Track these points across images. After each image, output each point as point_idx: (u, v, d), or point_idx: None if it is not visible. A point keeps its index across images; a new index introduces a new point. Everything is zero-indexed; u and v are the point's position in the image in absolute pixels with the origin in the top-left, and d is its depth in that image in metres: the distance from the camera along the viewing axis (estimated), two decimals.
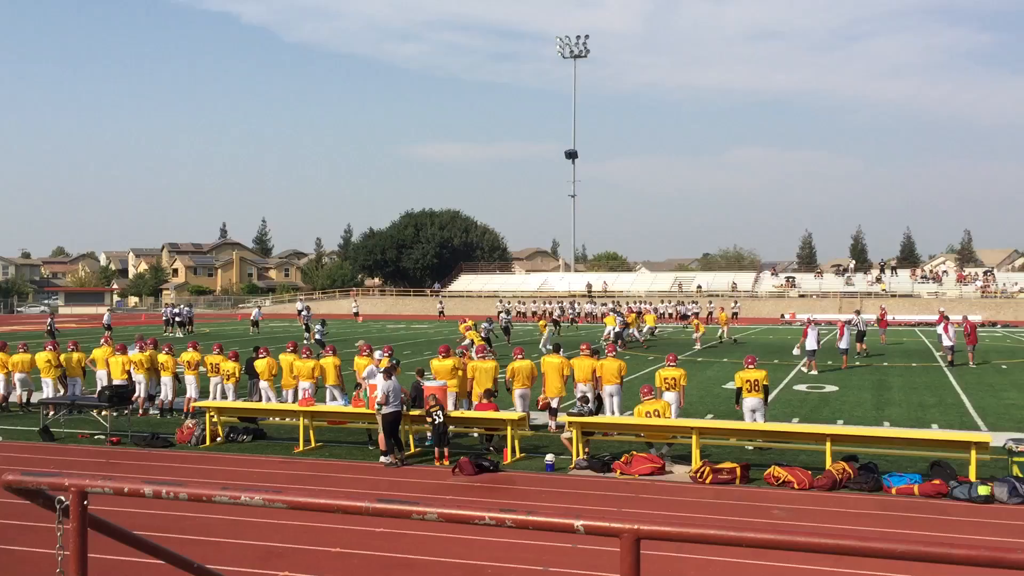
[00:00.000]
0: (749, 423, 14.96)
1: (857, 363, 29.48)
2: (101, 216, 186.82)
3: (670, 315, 65.20)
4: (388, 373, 14.57)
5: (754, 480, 12.89)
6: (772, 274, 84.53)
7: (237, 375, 18.51)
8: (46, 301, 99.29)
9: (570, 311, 62.86)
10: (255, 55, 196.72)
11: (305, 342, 31.22)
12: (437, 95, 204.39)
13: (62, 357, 19.59)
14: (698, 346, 36.55)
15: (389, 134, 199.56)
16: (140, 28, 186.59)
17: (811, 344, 27.17)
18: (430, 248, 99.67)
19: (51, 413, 17.09)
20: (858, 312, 37.56)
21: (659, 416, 14.11)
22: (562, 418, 15.75)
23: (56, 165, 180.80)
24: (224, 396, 18.31)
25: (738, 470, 12.86)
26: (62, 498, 2.73)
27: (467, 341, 29.20)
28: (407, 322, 65.29)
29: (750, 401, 15.26)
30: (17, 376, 19.88)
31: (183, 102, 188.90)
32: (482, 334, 31.59)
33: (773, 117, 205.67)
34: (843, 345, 28.71)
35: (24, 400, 19.90)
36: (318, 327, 37.39)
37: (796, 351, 29.55)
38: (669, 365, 16.48)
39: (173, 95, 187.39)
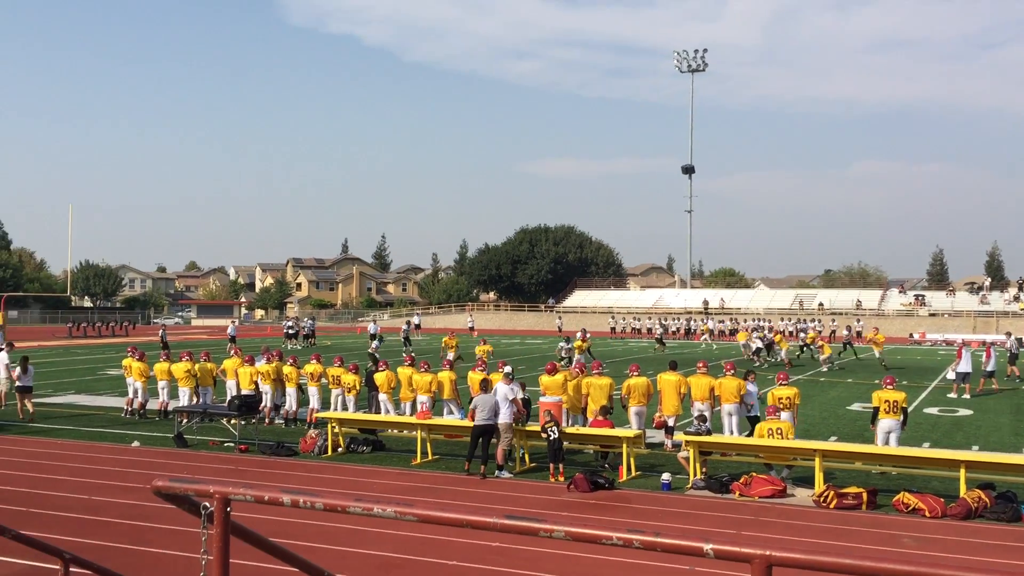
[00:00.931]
0: (877, 447, 14.41)
1: (994, 386, 27.99)
2: (231, 232, 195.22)
3: (790, 333, 63.48)
4: (484, 386, 14.92)
5: (882, 506, 12.40)
6: (900, 292, 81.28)
7: (358, 387, 18.97)
8: (179, 313, 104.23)
9: (707, 326, 61.84)
10: (375, 75, 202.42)
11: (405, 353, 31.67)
12: (552, 111, 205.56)
13: (196, 367, 20.47)
14: (824, 368, 35.11)
15: (505, 151, 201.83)
16: (266, 51, 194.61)
17: (964, 367, 25.92)
18: (545, 263, 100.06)
19: (185, 421, 17.90)
20: (1009, 334, 35.59)
21: (782, 436, 13.76)
22: (679, 436, 15.54)
23: (189, 185, 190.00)
24: (345, 407, 18.79)
25: (865, 495, 12.40)
26: (207, 504, 2.87)
27: (449, 355, 29.89)
28: (522, 337, 65.61)
29: (886, 423, 14.71)
30: (160, 384, 20.83)
31: (308, 123, 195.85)
32: (560, 353, 31.54)
33: (900, 129, 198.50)
34: (990, 368, 27.26)
35: (165, 407, 20.81)
36: (375, 343, 35.89)
37: (950, 374, 28.06)
38: (782, 384, 16.05)
39: (298, 116, 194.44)
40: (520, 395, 15.24)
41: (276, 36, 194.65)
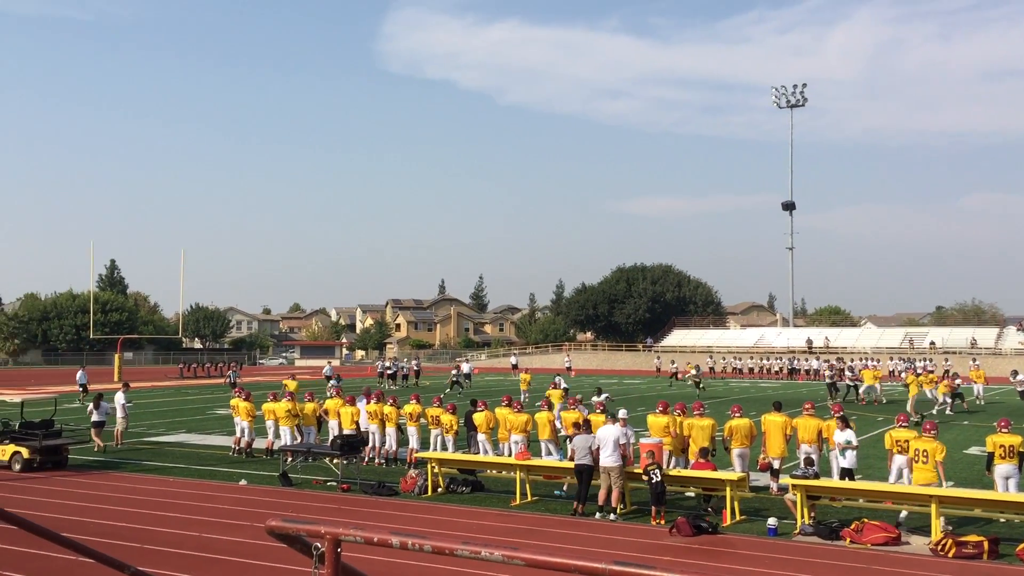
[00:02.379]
0: (999, 493, 13.70)
1: None
2: (332, 275, 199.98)
3: (900, 372, 61.17)
4: (584, 427, 14.93)
5: (1004, 556, 11.76)
6: (1018, 329, 77.56)
7: (456, 427, 19.07)
8: (284, 354, 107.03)
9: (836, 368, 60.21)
10: (472, 118, 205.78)
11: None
12: (648, 150, 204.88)
13: (304, 407, 20.88)
14: (950, 411, 33.19)
15: (601, 189, 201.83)
16: (367, 98, 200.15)
17: None
18: (642, 303, 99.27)
19: (290, 460, 18.28)
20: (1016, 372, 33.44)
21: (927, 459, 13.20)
22: (784, 480, 15.09)
23: (291, 228, 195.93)
24: (444, 448, 18.91)
25: (986, 544, 11.78)
26: (318, 545, 2.91)
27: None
28: (619, 377, 65.01)
29: (1003, 468, 13.97)
30: (268, 423, 21.28)
31: (406, 166, 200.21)
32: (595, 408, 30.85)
33: (1013, 160, 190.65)
34: None
35: (271, 446, 21.29)
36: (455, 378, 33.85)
37: None
38: (901, 426, 15.41)
39: (397, 160, 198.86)
40: (632, 440, 15.12)
41: (376, 84, 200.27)
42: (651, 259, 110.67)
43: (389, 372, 51.82)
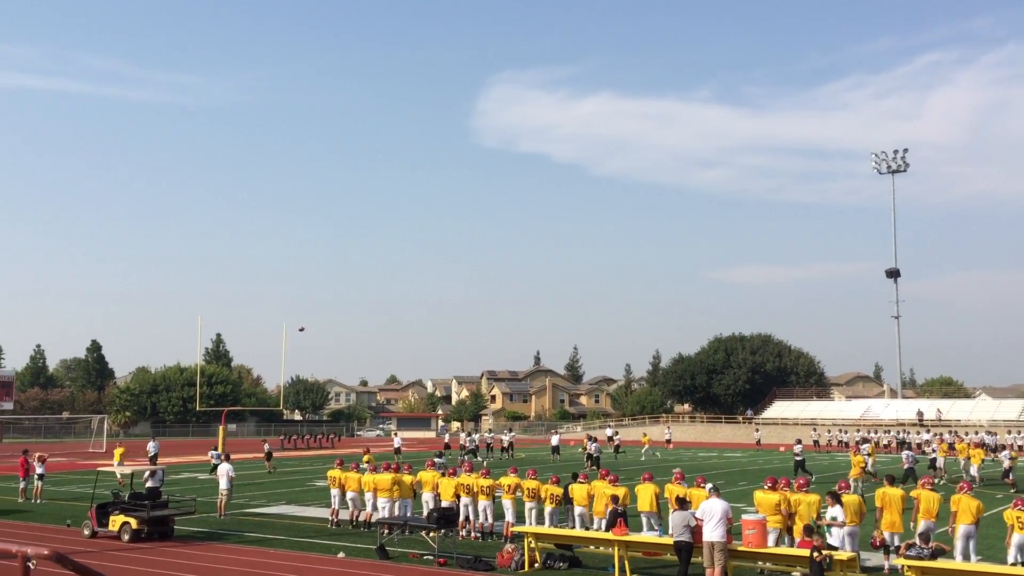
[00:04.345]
0: None
1: None
2: (428, 347, 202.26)
3: (1021, 447, 57.97)
4: (681, 503, 14.55)
5: None
6: None
7: (559, 500, 18.78)
8: (381, 425, 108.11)
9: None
10: (565, 190, 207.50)
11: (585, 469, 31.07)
12: (742, 218, 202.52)
13: (402, 479, 20.93)
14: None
15: (695, 259, 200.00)
16: (463, 173, 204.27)
17: None
18: (742, 373, 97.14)
19: (387, 532, 18.30)
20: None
21: None
22: (897, 560, 14.32)
23: (388, 301, 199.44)
24: (541, 521, 18.63)
25: None
26: None
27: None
28: (719, 450, 63.41)
29: None
30: (367, 495, 21.30)
31: (501, 238, 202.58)
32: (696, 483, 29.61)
33: None
34: None
35: (356, 518, 21.37)
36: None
37: None
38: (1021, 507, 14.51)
39: (493, 232, 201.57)
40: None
41: (471, 159, 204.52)
42: (749, 329, 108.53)
43: (470, 447, 50.73)
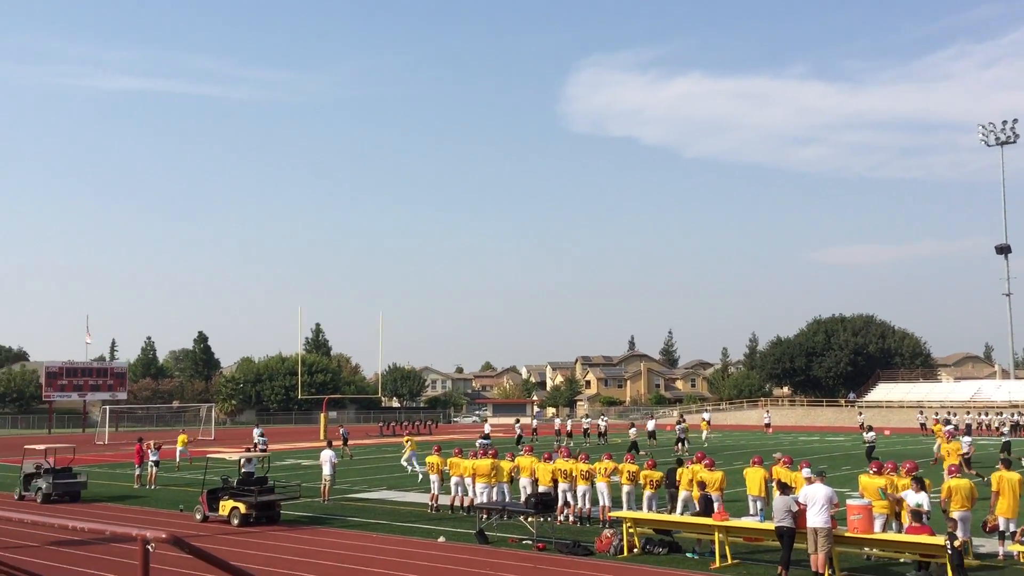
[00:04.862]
0: None
1: None
2: (522, 333, 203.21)
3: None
4: (783, 488, 14.30)
5: None
6: None
7: (658, 483, 18.69)
8: (477, 412, 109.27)
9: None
10: (656, 174, 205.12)
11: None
12: (841, 196, 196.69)
13: (500, 464, 21.12)
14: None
15: (793, 239, 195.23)
16: (552, 159, 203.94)
17: None
18: (843, 355, 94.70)
19: (486, 517, 18.50)
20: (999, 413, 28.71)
21: None
22: (1013, 546, 13.79)
23: (482, 288, 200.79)
24: (637, 506, 18.56)
25: None
26: None
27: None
28: (820, 434, 61.99)
29: None
30: (466, 480, 21.55)
31: (593, 223, 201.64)
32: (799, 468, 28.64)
33: None
34: None
35: (466, 503, 21.65)
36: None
37: None
38: None
39: (584, 218, 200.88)
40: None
41: (562, 145, 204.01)
42: (850, 310, 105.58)
43: (566, 430, 52.37)
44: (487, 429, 51.02)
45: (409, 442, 31.14)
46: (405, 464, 30.66)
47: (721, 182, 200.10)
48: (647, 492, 18.54)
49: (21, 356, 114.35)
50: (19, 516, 5.45)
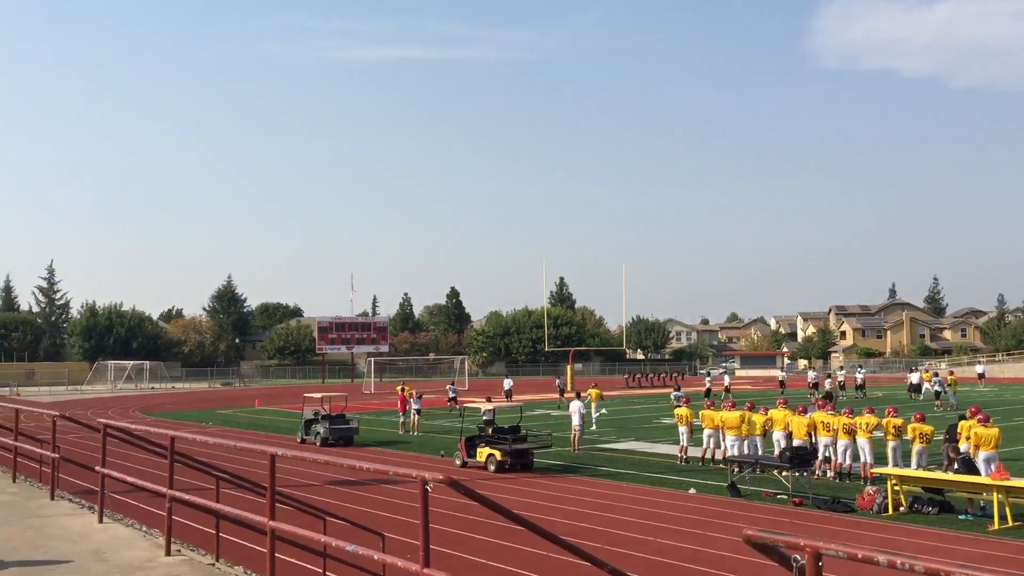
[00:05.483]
0: None
1: None
2: (771, 283, 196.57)
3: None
4: None
5: None
6: None
7: (927, 439, 17.59)
8: (723, 364, 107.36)
9: None
10: (917, 108, 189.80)
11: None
12: None
13: (751, 417, 20.71)
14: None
15: None
16: (800, 100, 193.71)
17: None
18: None
19: (737, 470, 18.20)
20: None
21: None
22: None
23: (725, 240, 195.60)
24: (907, 463, 17.53)
25: None
26: (797, 557, 2.82)
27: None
28: None
29: None
30: (719, 433, 21.36)
31: (845, 167, 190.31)
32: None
33: None
34: None
35: (716, 455, 21.44)
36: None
37: None
38: None
39: (829, 161, 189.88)
40: None
41: (809, 83, 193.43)
42: None
43: (812, 382, 50.30)
44: (726, 381, 50.34)
45: (594, 393, 31.40)
46: (595, 415, 30.92)
47: (991, 113, 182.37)
48: (916, 447, 17.46)
49: (296, 312, 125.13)
50: (312, 457, 5.97)
